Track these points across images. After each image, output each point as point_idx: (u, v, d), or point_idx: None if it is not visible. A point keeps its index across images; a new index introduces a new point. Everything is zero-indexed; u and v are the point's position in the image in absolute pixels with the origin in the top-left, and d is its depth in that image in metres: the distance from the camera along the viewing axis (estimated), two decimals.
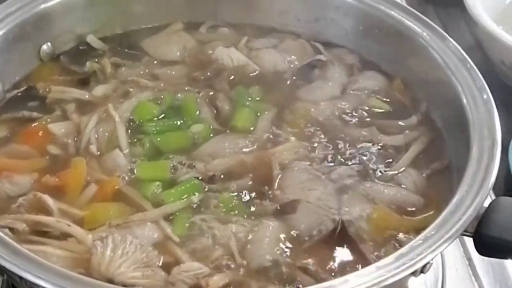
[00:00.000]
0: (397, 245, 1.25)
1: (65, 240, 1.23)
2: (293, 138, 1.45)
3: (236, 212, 1.30)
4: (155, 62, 1.61)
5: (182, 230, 1.27)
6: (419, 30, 1.52)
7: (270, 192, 1.34)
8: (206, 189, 1.34)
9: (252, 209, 1.31)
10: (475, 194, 1.20)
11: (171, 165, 1.37)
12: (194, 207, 1.31)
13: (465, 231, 1.16)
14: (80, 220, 1.27)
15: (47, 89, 1.51)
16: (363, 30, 1.62)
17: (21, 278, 1.08)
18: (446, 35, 1.49)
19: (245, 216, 1.30)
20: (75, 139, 1.42)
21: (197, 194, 1.32)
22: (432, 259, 1.13)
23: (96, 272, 1.16)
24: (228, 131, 1.46)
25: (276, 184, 1.35)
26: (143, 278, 1.17)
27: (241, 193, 1.34)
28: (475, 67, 1.41)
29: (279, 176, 1.36)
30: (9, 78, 1.51)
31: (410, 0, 2.16)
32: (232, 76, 1.58)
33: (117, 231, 1.23)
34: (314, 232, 1.27)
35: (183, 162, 1.37)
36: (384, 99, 1.54)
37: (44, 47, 1.57)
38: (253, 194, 1.34)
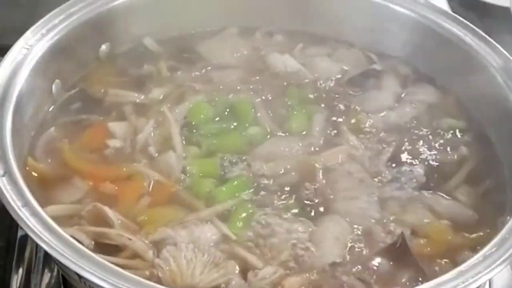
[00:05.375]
0: (453, 260, 1.26)
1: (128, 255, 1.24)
2: (346, 143, 1.46)
3: (290, 213, 1.32)
4: (210, 66, 1.63)
5: (239, 228, 1.29)
6: (476, 46, 1.52)
7: (314, 197, 1.36)
8: (258, 189, 1.36)
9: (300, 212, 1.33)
10: None
11: (225, 164, 1.39)
12: (249, 205, 1.33)
13: None
14: (138, 224, 1.29)
15: (103, 90, 1.53)
16: (418, 42, 1.62)
17: (80, 277, 1.10)
18: (506, 52, 1.49)
19: (299, 218, 1.31)
20: (131, 140, 1.44)
21: (248, 192, 1.35)
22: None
23: None
24: (282, 134, 1.48)
25: (321, 189, 1.37)
26: (222, 277, 1.19)
27: (292, 195, 1.36)
28: None
29: (325, 181, 1.38)
30: (68, 77, 1.52)
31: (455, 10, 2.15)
32: (286, 82, 1.59)
33: (171, 238, 1.24)
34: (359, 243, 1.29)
35: (237, 162, 1.39)
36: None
37: (103, 47, 1.59)
38: (302, 198, 1.35)
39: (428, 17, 1.60)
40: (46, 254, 1.44)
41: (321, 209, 1.34)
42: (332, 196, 1.36)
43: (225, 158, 1.40)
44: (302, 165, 1.41)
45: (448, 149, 1.47)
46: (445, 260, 1.27)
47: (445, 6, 1.77)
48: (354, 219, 1.32)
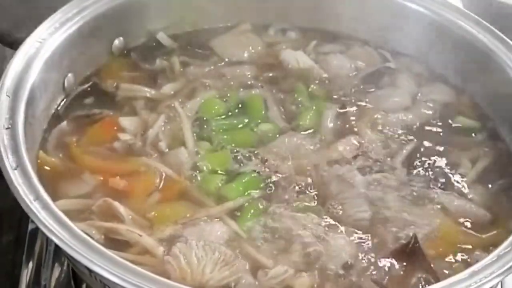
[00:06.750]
0: (465, 260, 1.26)
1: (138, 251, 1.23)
2: (356, 141, 1.45)
3: (301, 212, 1.31)
4: (223, 61, 1.62)
5: (249, 226, 1.28)
6: (492, 45, 1.51)
7: (324, 197, 1.35)
8: (268, 186, 1.35)
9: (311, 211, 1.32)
10: None
11: (238, 157, 1.39)
12: (259, 203, 1.32)
13: None
14: (148, 220, 1.28)
15: (115, 85, 1.53)
16: (432, 40, 1.61)
17: (91, 271, 1.10)
18: None
19: (310, 217, 1.30)
20: (142, 135, 1.43)
21: (258, 189, 1.34)
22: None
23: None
24: (294, 130, 1.47)
25: (327, 190, 1.36)
26: (232, 276, 1.18)
27: (303, 194, 1.35)
28: None
29: (329, 182, 1.37)
30: (81, 71, 1.52)
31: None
32: (299, 79, 1.58)
33: (181, 235, 1.24)
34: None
35: (248, 157, 1.39)
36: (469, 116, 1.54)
37: (116, 41, 1.59)
38: (313, 196, 1.35)
39: (443, 15, 1.58)
40: (57, 248, 1.45)
41: (331, 209, 1.33)
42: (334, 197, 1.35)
43: (237, 152, 1.40)
44: (313, 163, 1.40)
45: (461, 148, 1.46)
46: (457, 260, 1.26)
47: (459, 4, 1.75)
48: (349, 223, 1.31)
